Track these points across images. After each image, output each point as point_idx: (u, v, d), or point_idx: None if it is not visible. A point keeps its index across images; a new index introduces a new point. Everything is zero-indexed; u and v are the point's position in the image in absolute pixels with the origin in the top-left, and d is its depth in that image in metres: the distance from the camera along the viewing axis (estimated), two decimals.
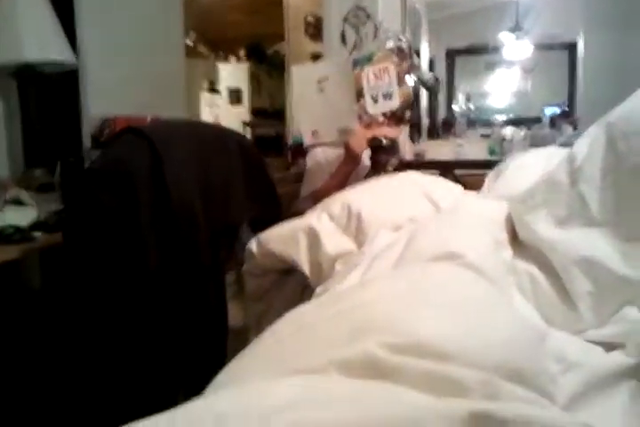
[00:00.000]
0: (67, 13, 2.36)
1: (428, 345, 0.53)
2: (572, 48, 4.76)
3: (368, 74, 1.82)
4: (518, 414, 0.41)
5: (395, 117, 1.83)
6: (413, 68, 1.97)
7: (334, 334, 0.57)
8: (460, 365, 0.51)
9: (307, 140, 1.95)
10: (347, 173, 1.86)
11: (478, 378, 0.49)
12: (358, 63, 1.84)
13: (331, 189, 1.81)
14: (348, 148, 1.81)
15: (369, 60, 1.84)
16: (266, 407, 0.39)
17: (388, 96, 1.83)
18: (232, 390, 0.44)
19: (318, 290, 1.03)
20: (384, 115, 1.82)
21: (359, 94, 1.82)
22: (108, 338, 1.52)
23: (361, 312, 0.62)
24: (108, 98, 2.51)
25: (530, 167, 1.28)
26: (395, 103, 1.81)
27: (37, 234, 1.69)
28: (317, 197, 1.83)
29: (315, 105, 1.86)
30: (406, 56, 1.87)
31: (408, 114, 1.85)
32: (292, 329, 0.67)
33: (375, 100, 1.82)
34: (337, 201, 1.31)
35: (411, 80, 1.90)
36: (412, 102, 1.87)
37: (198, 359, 1.63)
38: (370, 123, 1.82)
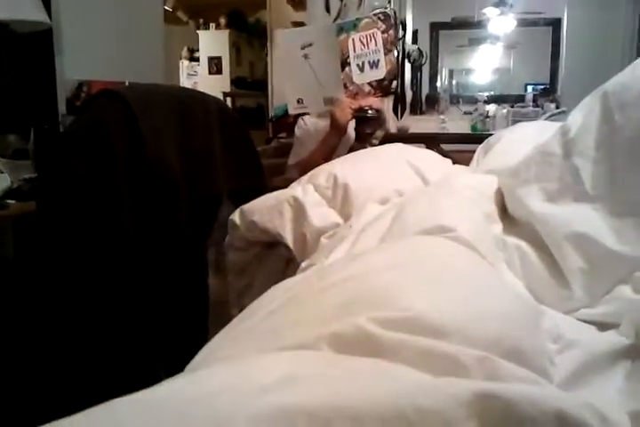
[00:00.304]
0: None
1: (423, 320, 0.50)
2: (555, 25, 4.73)
3: (354, 40, 1.76)
4: (522, 395, 0.38)
5: (380, 87, 1.79)
6: (398, 38, 1.93)
7: (323, 308, 0.54)
8: (457, 341, 0.49)
9: (291, 109, 1.90)
10: (333, 143, 1.83)
11: (476, 356, 0.47)
12: (344, 29, 1.78)
13: (316, 158, 1.78)
14: (333, 118, 1.77)
15: (355, 26, 1.79)
16: (254, 386, 0.36)
17: (374, 64, 1.78)
18: (221, 368, 0.40)
19: (304, 264, 1.00)
20: (370, 84, 1.78)
21: (344, 62, 1.78)
22: (85, 310, 1.48)
23: (351, 285, 0.59)
24: (84, 61, 2.43)
25: (521, 141, 1.25)
26: (381, 72, 1.77)
27: (10, 202, 1.64)
28: (303, 168, 1.81)
29: (299, 72, 1.81)
30: (392, 23, 1.82)
31: (394, 84, 1.81)
32: (278, 303, 0.64)
33: (361, 69, 1.77)
34: (323, 172, 1.27)
35: (396, 48, 1.87)
36: (397, 72, 1.83)
37: (179, 333, 1.61)
38: (356, 93, 1.79)
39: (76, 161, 1.42)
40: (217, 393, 0.35)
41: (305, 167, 1.80)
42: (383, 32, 1.79)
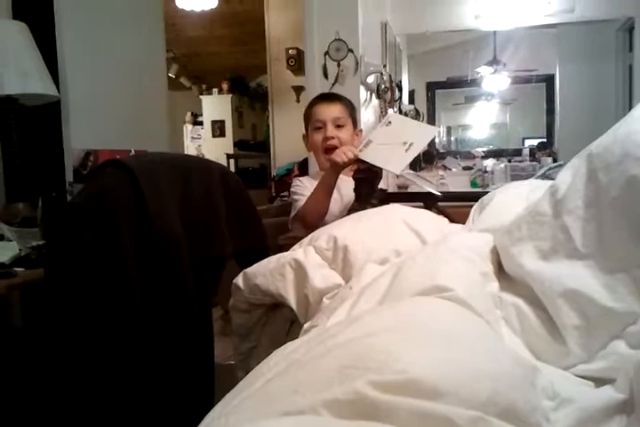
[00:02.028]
0: (49, 45, 2.38)
1: (418, 382, 0.52)
2: (549, 81, 4.87)
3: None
4: None
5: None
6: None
7: (323, 373, 0.56)
8: (452, 402, 0.51)
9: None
10: (329, 182, 1.89)
11: (470, 416, 0.49)
12: None
13: (315, 200, 1.86)
14: (331, 157, 1.85)
15: None
16: None
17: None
18: None
19: (306, 326, 1.02)
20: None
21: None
22: (93, 376, 1.48)
23: (350, 349, 0.61)
24: (90, 131, 2.52)
25: (513, 200, 1.29)
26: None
27: (19, 270, 1.66)
28: (305, 214, 1.86)
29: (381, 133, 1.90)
30: None
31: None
32: (280, 368, 0.66)
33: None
34: (323, 234, 1.31)
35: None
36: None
37: (185, 396, 1.60)
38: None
39: (84, 229, 1.45)
40: None
41: (307, 212, 1.86)
42: None
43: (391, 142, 1.82)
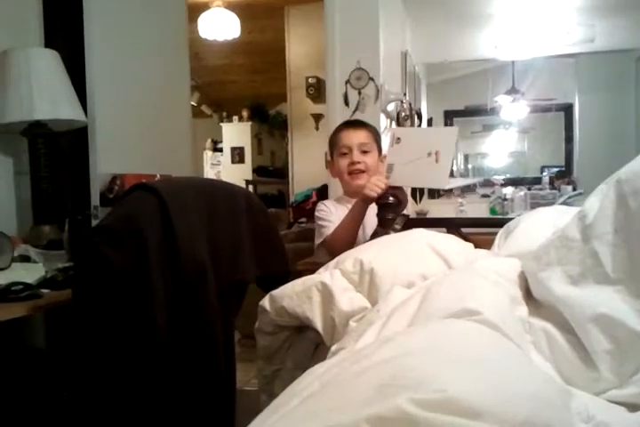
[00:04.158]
0: (78, 72, 2.44)
1: (456, 401, 0.53)
2: (567, 110, 4.89)
3: None
4: None
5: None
6: None
7: (362, 391, 0.57)
8: (490, 422, 0.51)
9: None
10: (359, 213, 1.91)
11: None
12: None
13: (345, 229, 1.86)
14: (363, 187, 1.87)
15: None
16: None
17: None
18: None
19: (334, 348, 1.02)
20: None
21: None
22: (115, 399, 1.49)
23: (387, 368, 0.61)
24: (116, 156, 2.56)
25: (540, 225, 1.30)
26: None
27: (45, 291, 1.68)
28: (333, 243, 1.86)
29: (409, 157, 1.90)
30: None
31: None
32: (314, 389, 0.66)
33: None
34: (349, 258, 1.32)
35: None
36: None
37: (208, 420, 1.60)
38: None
39: (111, 252, 1.47)
40: None
41: (335, 241, 1.86)
42: None
43: (414, 158, 1.82)
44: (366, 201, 1.88)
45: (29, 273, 1.80)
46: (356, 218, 1.91)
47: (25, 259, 2.02)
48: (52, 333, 2.17)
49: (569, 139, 4.89)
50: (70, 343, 1.63)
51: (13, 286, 1.58)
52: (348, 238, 1.92)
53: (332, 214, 2.05)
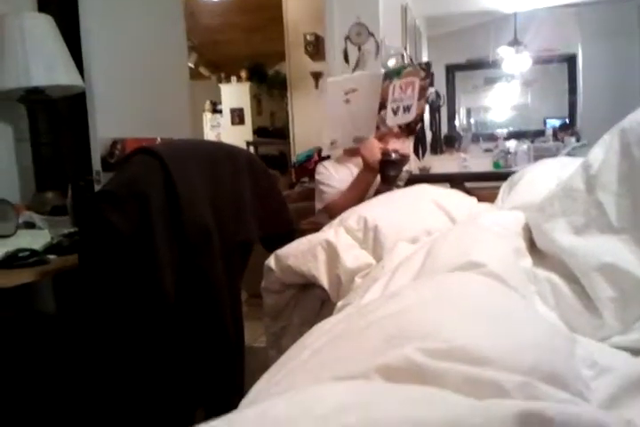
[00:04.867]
0: (73, 37, 2.40)
1: (466, 350, 0.54)
2: (571, 60, 4.81)
3: (395, 87, 1.85)
4: (564, 413, 0.41)
5: (408, 129, 1.86)
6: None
7: (371, 343, 0.57)
8: (498, 368, 0.52)
9: (325, 150, 1.99)
10: (366, 183, 1.88)
11: (516, 380, 0.50)
12: (388, 76, 1.87)
13: (350, 199, 1.83)
14: (363, 158, 1.84)
15: (398, 73, 1.87)
16: (318, 411, 0.40)
17: (407, 109, 1.86)
18: (281, 399, 0.44)
19: (339, 304, 1.03)
20: (399, 126, 1.86)
21: (382, 106, 1.86)
22: (125, 360, 1.52)
23: (394, 321, 0.62)
24: (115, 120, 2.54)
25: (544, 177, 1.29)
26: (411, 116, 1.85)
27: (51, 257, 1.69)
28: (335, 209, 1.86)
29: (339, 116, 1.89)
30: (431, 72, 1.91)
31: (419, 126, 1.88)
32: (324, 340, 0.67)
33: (395, 113, 1.85)
34: (353, 215, 1.32)
35: (430, 94, 1.97)
36: (423, 115, 1.92)
37: (216, 378, 1.63)
38: (384, 134, 1.86)
39: (116, 216, 1.47)
40: (286, 420, 0.38)
41: (338, 209, 1.85)
42: (421, 80, 1.88)
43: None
44: (371, 170, 1.86)
45: (35, 239, 1.81)
46: (361, 189, 1.90)
47: (30, 225, 2.03)
48: (61, 298, 2.19)
49: (572, 90, 4.83)
50: (79, 308, 1.65)
51: (20, 253, 1.59)
52: (352, 207, 1.90)
53: (333, 177, 2.04)
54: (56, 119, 2.34)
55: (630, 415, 0.54)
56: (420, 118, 1.89)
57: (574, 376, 0.59)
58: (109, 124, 2.48)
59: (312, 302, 1.31)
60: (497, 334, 0.58)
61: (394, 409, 0.40)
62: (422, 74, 1.90)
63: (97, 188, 2.29)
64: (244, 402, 0.61)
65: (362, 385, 0.47)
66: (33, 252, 1.64)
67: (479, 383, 0.49)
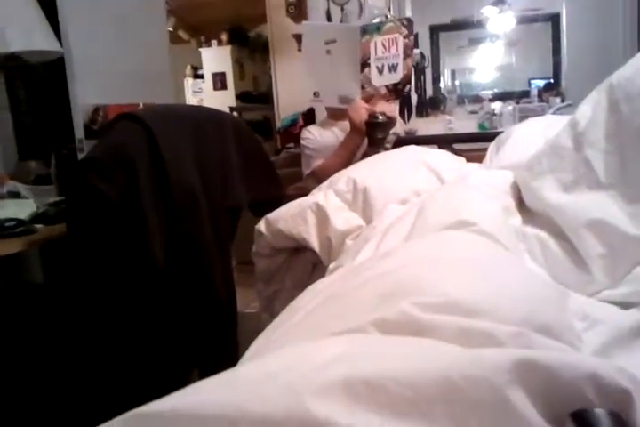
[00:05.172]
0: (49, 2, 2.33)
1: (459, 303, 0.55)
2: (554, 19, 4.76)
3: (376, 43, 1.81)
4: (559, 360, 0.42)
5: (395, 91, 1.84)
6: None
7: (366, 300, 0.58)
8: (492, 320, 0.53)
9: (309, 102, 1.97)
10: (354, 145, 1.87)
11: (510, 331, 0.51)
12: (367, 31, 1.81)
13: (338, 162, 1.82)
14: (351, 120, 1.82)
15: (378, 29, 1.83)
16: (317, 360, 0.41)
17: (392, 68, 1.83)
18: (284, 351, 0.45)
19: (331, 266, 1.04)
20: (386, 87, 1.83)
21: (364, 64, 1.82)
22: (117, 326, 1.52)
23: (388, 279, 0.63)
24: (96, 86, 2.48)
25: (531, 136, 1.29)
26: (398, 76, 1.82)
27: (38, 226, 1.68)
28: (323, 173, 1.85)
29: (320, 66, 1.84)
30: (412, 28, 1.87)
31: (407, 88, 1.86)
32: (318, 302, 0.68)
33: (380, 72, 1.82)
34: (342, 177, 1.32)
35: (415, 53, 1.92)
36: (410, 76, 1.88)
37: (210, 344, 1.65)
38: (371, 96, 1.83)
39: (102, 183, 1.46)
40: (286, 370, 0.39)
41: (326, 172, 1.83)
42: (405, 37, 1.84)
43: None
44: (359, 131, 1.84)
45: (21, 209, 1.80)
46: (349, 152, 1.87)
47: (14, 195, 2.01)
48: (48, 267, 2.19)
49: (556, 50, 4.79)
50: (68, 276, 1.65)
51: (7, 223, 1.58)
52: (340, 170, 1.90)
53: (317, 142, 2.03)
54: (35, 86, 2.30)
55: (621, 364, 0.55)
56: (408, 79, 1.86)
57: (567, 328, 0.60)
58: (90, 91, 2.43)
59: (304, 265, 1.31)
60: (491, 287, 0.59)
61: (392, 358, 0.41)
62: (404, 31, 1.87)
63: (80, 156, 2.26)
64: (243, 359, 0.62)
65: (359, 338, 0.48)
66: (19, 221, 1.63)
67: (474, 334, 0.50)
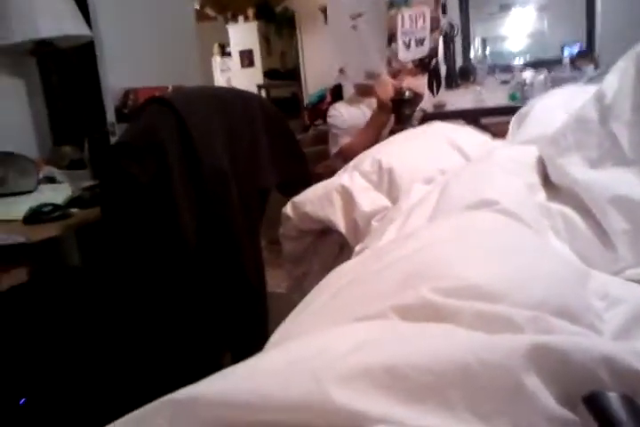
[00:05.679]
0: None
1: (477, 288, 0.56)
2: None
3: (404, 17, 1.78)
4: (573, 344, 0.43)
5: (421, 65, 1.82)
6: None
7: (387, 284, 0.60)
8: (510, 304, 0.54)
9: (335, 78, 1.96)
10: (381, 122, 1.87)
11: (528, 315, 0.52)
12: (394, 4, 1.80)
13: (365, 140, 1.82)
14: (377, 97, 1.81)
15: (406, 1, 1.80)
16: (337, 351, 0.43)
17: (419, 42, 1.81)
18: (307, 339, 0.47)
19: (357, 248, 1.05)
20: (412, 62, 1.82)
21: (391, 38, 1.80)
22: (151, 307, 1.57)
23: (409, 262, 0.64)
24: (126, 69, 2.51)
25: (553, 108, 1.28)
26: (425, 50, 1.80)
27: (74, 211, 1.72)
28: (351, 152, 1.85)
29: (346, 41, 1.84)
30: (440, 2, 1.85)
31: (434, 62, 1.84)
32: (342, 283, 0.70)
33: (407, 46, 1.80)
34: (367, 158, 1.32)
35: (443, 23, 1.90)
36: (437, 50, 1.86)
37: (240, 323, 1.69)
38: (398, 71, 1.82)
39: (134, 167, 1.50)
40: (308, 358, 0.41)
41: (354, 151, 1.84)
42: (433, 10, 1.81)
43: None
44: (385, 108, 1.83)
45: (57, 194, 1.84)
46: (376, 129, 1.87)
47: (50, 180, 2.06)
48: (85, 250, 2.24)
49: (590, 14, 4.64)
50: (104, 259, 1.69)
51: (44, 208, 1.63)
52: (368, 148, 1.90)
53: (344, 120, 2.02)
54: (67, 71, 2.33)
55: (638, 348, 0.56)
56: (435, 53, 1.84)
57: (585, 308, 0.61)
58: (120, 74, 2.46)
59: (330, 247, 1.33)
60: (508, 270, 0.60)
61: (410, 345, 0.43)
62: (432, 3, 1.84)
63: (112, 139, 2.30)
64: (268, 344, 0.65)
65: (379, 325, 0.50)
66: (56, 206, 1.67)
67: (492, 319, 0.51)
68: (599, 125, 0.98)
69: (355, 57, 1.86)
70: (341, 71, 1.90)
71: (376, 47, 1.81)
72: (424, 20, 1.81)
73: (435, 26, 1.85)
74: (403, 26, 1.80)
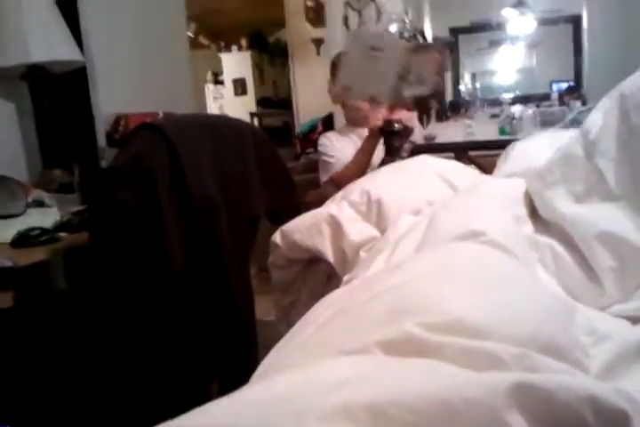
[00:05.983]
0: (71, 12, 2.37)
1: (463, 323, 0.55)
2: (576, 21, 4.72)
3: (418, 59, 1.85)
4: (557, 383, 0.43)
5: (420, 104, 1.88)
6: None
7: (372, 317, 0.59)
8: (495, 340, 0.53)
9: (335, 97, 2.00)
10: (370, 150, 1.91)
11: (514, 352, 0.52)
12: (419, 50, 1.87)
13: (356, 169, 1.86)
14: (367, 123, 1.87)
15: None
16: (319, 388, 0.42)
17: (421, 82, 1.86)
18: (289, 374, 0.46)
19: (346, 278, 1.05)
20: (411, 98, 1.87)
21: (402, 77, 1.85)
22: (137, 335, 1.55)
23: (394, 294, 0.64)
24: (117, 95, 2.53)
25: (536, 146, 1.30)
26: (425, 89, 1.85)
27: (62, 235, 1.71)
28: (341, 180, 1.87)
29: (361, 67, 1.87)
30: (451, 49, 1.94)
31: (433, 104, 1.89)
32: (326, 316, 0.69)
33: (411, 83, 1.85)
34: (355, 189, 1.33)
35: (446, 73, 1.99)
36: (439, 93, 1.93)
37: (229, 352, 1.67)
38: (395, 106, 1.87)
39: (123, 193, 1.49)
40: (291, 394, 0.41)
41: (344, 179, 1.86)
42: (445, 56, 1.89)
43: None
44: (374, 135, 1.87)
45: (45, 218, 1.83)
46: (366, 155, 1.92)
47: (39, 204, 2.04)
48: (72, 275, 2.22)
49: (578, 51, 4.75)
50: (91, 284, 1.68)
51: (32, 231, 1.62)
52: (358, 176, 1.91)
53: (335, 148, 2.05)
54: (59, 95, 2.34)
55: (626, 385, 0.56)
56: (435, 95, 1.90)
57: (572, 344, 0.61)
58: (112, 99, 2.48)
59: (319, 276, 1.33)
60: (495, 304, 0.60)
61: (393, 382, 0.42)
62: (445, 50, 1.92)
63: (102, 164, 2.30)
64: (254, 376, 0.64)
65: (363, 360, 0.50)
66: (44, 230, 1.66)
67: (477, 356, 0.51)
68: (585, 161, 0.99)
69: (365, 81, 1.89)
70: (345, 89, 1.94)
71: (385, 80, 1.85)
72: (434, 64, 1.87)
73: (439, 69, 1.91)
74: (416, 68, 1.85)
